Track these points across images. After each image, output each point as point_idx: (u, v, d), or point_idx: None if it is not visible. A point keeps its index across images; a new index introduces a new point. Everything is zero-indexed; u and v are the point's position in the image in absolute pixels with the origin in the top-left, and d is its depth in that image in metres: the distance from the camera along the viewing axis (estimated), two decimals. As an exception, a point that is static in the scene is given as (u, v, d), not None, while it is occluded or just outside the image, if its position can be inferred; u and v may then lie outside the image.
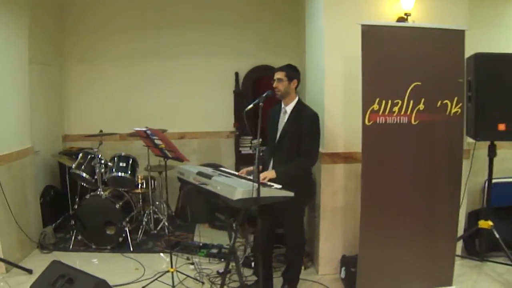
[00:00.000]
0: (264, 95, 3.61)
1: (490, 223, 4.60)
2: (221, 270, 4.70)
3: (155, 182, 6.32)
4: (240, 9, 6.82)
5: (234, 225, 4.13)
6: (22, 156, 5.17)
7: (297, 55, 6.13)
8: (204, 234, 5.64)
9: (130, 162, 5.66)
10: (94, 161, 5.48)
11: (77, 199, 5.77)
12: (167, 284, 4.38)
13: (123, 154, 5.71)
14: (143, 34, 6.76)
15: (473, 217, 5.20)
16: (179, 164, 4.63)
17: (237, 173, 4.05)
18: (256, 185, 3.23)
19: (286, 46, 6.73)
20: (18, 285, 4.44)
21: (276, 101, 4.13)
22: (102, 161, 5.54)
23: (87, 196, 5.45)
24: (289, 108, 4.02)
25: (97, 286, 3.61)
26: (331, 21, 4.43)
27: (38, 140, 5.74)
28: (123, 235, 5.38)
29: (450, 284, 4.05)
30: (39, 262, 4.79)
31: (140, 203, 6.18)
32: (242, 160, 6.50)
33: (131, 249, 5.33)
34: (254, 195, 3.22)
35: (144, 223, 5.85)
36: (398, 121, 3.81)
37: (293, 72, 4.00)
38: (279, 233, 4.43)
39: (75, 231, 5.44)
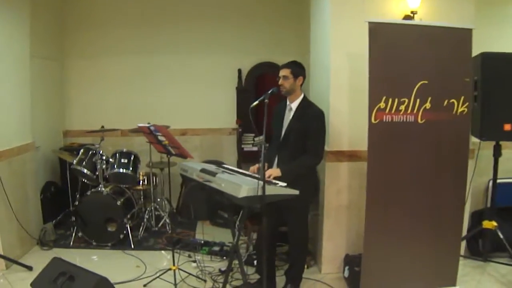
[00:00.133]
0: (269, 92, 3.57)
1: (495, 223, 4.57)
2: (223, 268, 4.68)
3: (157, 178, 6.27)
4: (243, 5, 6.77)
5: (237, 223, 4.09)
6: (23, 152, 5.13)
7: (301, 52, 6.08)
8: (205, 232, 5.60)
9: (132, 158, 5.61)
10: (96, 157, 5.44)
11: (77, 196, 5.73)
12: (169, 282, 4.34)
13: (124, 150, 5.66)
14: (146, 30, 6.72)
15: (477, 217, 5.19)
16: (181, 160, 4.59)
17: (240, 170, 4.00)
18: (261, 183, 3.19)
19: (289, 43, 6.69)
20: (18, 282, 4.40)
21: (281, 98, 4.10)
22: (104, 157, 5.50)
23: (88, 193, 5.41)
24: (294, 105, 3.99)
25: (98, 283, 3.60)
26: (337, 19, 4.39)
27: (39, 135, 5.70)
28: (124, 232, 5.34)
29: (454, 284, 4.02)
30: (39, 259, 4.77)
31: (141, 199, 6.15)
32: (244, 158, 6.44)
33: (132, 246, 5.30)
34: (259, 193, 3.18)
35: (145, 220, 5.82)
36: (405, 120, 3.77)
37: (298, 69, 3.97)
38: (282, 231, 4.41)
39: (75, 227, 5.41)
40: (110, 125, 6.01)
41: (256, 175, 3.72)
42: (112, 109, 6.77)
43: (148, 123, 4.50)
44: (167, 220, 5.89)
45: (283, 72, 3.94)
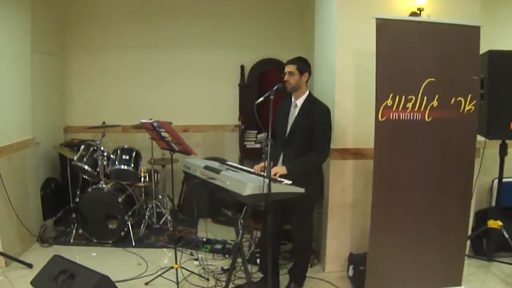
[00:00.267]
0: (274, 88, 3.54)
1: (500, 223, 4.54)
2: (226, 267, 4.64)
3: (158, 175, 6.21)
4: (246, 0, 6.72)
5: (241, 221, 4.05)
6: (23, 148, 5.08)
7: (305, 49, 6.00)
8: (207, 229, 5.55)
9: (133, 155, 5.57)
10: (97, 153, 5.38)
11: (78, 192, 5.66)
12: (171, 281, 4.29)
13: (126, 146, 5.63)
14: (147, 26, 6.66)
15: (481, 216, 5.16)
16: (183, 157, 4.54)
17: (245, 168, 3.95)
18: (266, 180, 3.14)
19: (293, 39, 6.63)
20: (18, 280, 4.35)
21: (285, 94, 4.04)
22: (105, 154, 5.45)
23: (89, 189, 5.37)
24: (299, 101, 3.94)
25: (100, 281, 3.56)
26: (343, 15, 4.33)
27: (39, 131, 5.64)
28: (125, 229, 5.29)
29: (459, 284, 3.98)
30: (39, 256, 4.73)
31: (143, 196, 6.10)
32: (246, 155, 6.42)
33: (133, 243, 5.26)
34: (265, 191, 3.13)
35: (146, 217, 5.78)
36: (412, 118, 3.71)
37: (304, 65, 3.92)
38: (285, 229, 4.39)
39: (76, 224, 5.35)
40: (111, 121, 5.94)
41: (261, 173, 3.68)
42: (113, 105, 6.71)
43: (150, 119, 4.44)
44: (169, 218, 5.85)
45: (289, 68, 3.89)
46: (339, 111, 4.40)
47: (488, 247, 4.86)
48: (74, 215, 5.37)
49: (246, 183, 3.13)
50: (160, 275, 4.40)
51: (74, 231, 5.36)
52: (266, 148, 5.44)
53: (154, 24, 6.66)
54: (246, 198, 3.13)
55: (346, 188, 4.56)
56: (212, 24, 6.71)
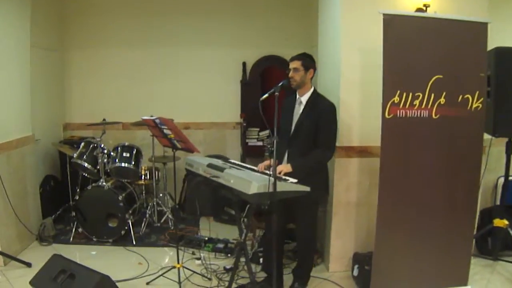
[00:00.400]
0: (279, 84, 3.48)
1: (506, 222, 4.50)
2: (228, 266, 4.58)
3: (159, 173, 6.16)
4: (248, -4, 6.67)
5: (245, 220, 3.99)
6: (22, 145, 5.03)
7: (308, 45, 5.97)
8: (208, 228, 5.49)
9: (134, 152, 5.52)
10: (97, 150, 5.32)
11: (78, 190, 5.60)
12: (172, 280, 4.24)
13: (126, 144, 5.57)
14: (148, 21, 6.59)
15: (485, 215, 5.10)
16: (184, 154, 4.50)
17: (248, 166, 3.89)
18: (272, 179, 3.08)
19: (295, 35, 6.55)
20: (16, 279, 4.29)
21: (290, 91, 3.98)
22: (105, 151, 5.39)
23: (89, 187, 5.29)
24: (304, 98, 3.88)
25: (100, 282, 3.52)
26: (348, 12, 4.28)
27: (39, 128, 5.58)
28: (126, 227, 5.23)
29: (466, 284, 3.94)
30: (38, 255, 4.68)
31: (143, 195, 6.04)
32: (248, 152, 6.37)
33: (134, 242, 5.20)
34: (270, 189, 3.07)
35: (147, 215, 5.73)
36: (419, 115, 3.66)
37: (309, 61, 3.86)
38: (288, 228, 4.35)
39: (75, 223, 5.29)
40: (111, 118, 5.92)
41: (266, 171, 3.62)
42: (113, 102, 6.65)
43: (151, 116, 4.38)
44: (170, 216, 5.79)
45: (294, 64, 3.82)
46: (344, 108, 4.34)
47: (493, 246, 4.82)
48: (73, 213, 5.31)
49: (251, 181, 3.08)
50: (161, 274, 4.34)
51: (73, 230, 5.30)
52: (269, 146, 5.40)
53: (155, 20, 6.59)
54: (251, 197, 3.07)
55: (351, 186, 4.51)
56: (213, 20, 6.64)
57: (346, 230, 4.57)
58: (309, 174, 3.62)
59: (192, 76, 6.74)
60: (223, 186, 3.37)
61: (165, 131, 4.26)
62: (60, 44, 6.53)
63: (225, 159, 4.23)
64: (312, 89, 3.90)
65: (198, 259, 4.76)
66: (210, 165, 3.59)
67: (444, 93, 3.66)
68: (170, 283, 4.24)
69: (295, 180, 3.40)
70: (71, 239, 5.26)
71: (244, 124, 6.36)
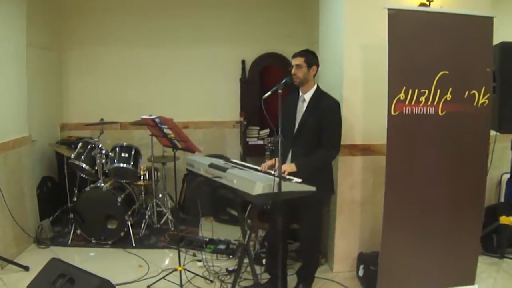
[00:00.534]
0: (282, 82, 3.39)
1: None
2: (231, 268, 4.49)
3: (158, 173, 6.08)
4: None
5: (248, 221, 3.92)
6: (19, 145, 4.95)
7: (308, 42, 5.89)
8: (209, 229, 5.41)
9: (133, 152, 5.44)
10: (94, 151, 5.25)
11: (76, 191, 5.54)
12: (174, 283, 4.16)
13: (125, 144, 5.48)
14: (145, 19, 6.52)
15: (490, 212, 5.03)
16: (185, 154, 4.41)
17: (251, 166, 3.81)
18: (277, 179, 3.00)
19: (295, 32, 6.49)
20: (14, 283, 4.20)
21: (292, 89, 3.91)
22: (103, 151, 5.32)
23: (87, 188, 5.22)
24: (307, 96, 3.80)
25: (100, 286, 3.42)
26: (351, 7, 4.22)
27: (35, 128, 5.51)
28: (125, 229, 5.14)
29: (473, 283, 3.89)
30: (36, 258, 4.60)
31: (143, 195, 5.97)
32: (249, 151, 6.31)
33: (134, 244, 5.12)
34: (275, 190, 2.99)
35: (146, 217, 5.64)
36: (425, 112, 3.59)
37: (312, 58, 3.79)
38: (292, 228, 4.30)
39: (73, 225, 5.21)
40: (109, 117, 5.82)
41: (270, 171, 3.54)
42: (111, 101, 6.57)
43: (150, 115, 4.30)
44: (170, 217, 5.71)
45: (296, 61, 3.74)
46: (347, 106, 4.27)
47: (499, 243, 4.78)
48: (71, 215, 5.24)
49: (255, 182, 3.00)
50: (163, 277, 4.27)
51: (72, 232, 5.23)
52: (270, 145, 5.33)
53: (152, 17, 6.52)
54: (255, 197, 2.99)
55: (355, 185, 4.45)
56: (212, 16, 6.58)
57: (351, 229, 4.52)
58: (313, 174, 3.55)
59: (191, 74, 6.67)
60: (225, 186, 3.30)
61: (165, 130, 4.17)
62: (57, 43, 6.45)
63: (226, 159, 4.16)
64: (315, 86, 3.82)
65: (200, 261, 4.68)
66: (211, 165, 3.51)
67: (450, 89, 3.60)
68: (171, 286, 4.16)
69: (300, 180, 3.33)
70: (69, 241, 5.18)
71: (245, 123, 6.29)
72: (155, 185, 5.91)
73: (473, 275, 3.88)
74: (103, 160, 5.30)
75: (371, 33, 4.05)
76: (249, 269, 3.95)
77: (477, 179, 3.79)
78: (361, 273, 4.27)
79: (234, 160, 4.06)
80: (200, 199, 5.71)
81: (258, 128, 6.41)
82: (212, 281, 4.30)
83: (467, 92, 3.64)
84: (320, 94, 3.81)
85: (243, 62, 6.58)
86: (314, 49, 4.41)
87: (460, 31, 3.61)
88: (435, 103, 3.59)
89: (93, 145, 5.28)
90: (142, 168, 5.81)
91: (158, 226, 5.72)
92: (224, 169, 3.35)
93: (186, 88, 6.67)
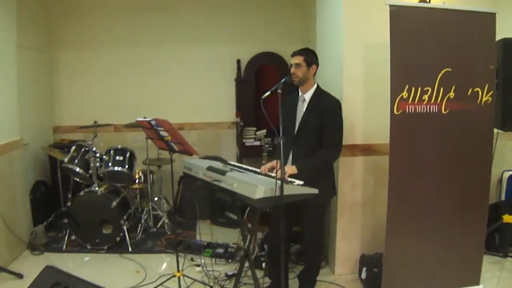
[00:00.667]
0: (282, 81, 3.33)
1: (516, 217, 4.44)
2: (230, 272, 4.40)
3: (154, 176, 5.99)
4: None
5: (249, 225, 3.82)
6: (10, 149, 4.85)
7: (304, 40, 5.85)
8: (206, 232, 5.31)
9: (127, 155, 5.34)
10: (88, 154, 5.16)
11: (70, 196, 5.45)
12: (172, 290, 4.08)
13: (119, 147, 5.39)
14: (138, 19, 6.42)
15: (493, 211, 4.98)
16: (180, 157, 4.33)
17: (250, 168, 3.71)
18: (279, 182, 2.91)
19: (291, 31, 6.43)
20: (7, 293, 4.12)
21: (292, 89, 3.82)
22: (97, 155, 5.23)
23: (81, 192, 5.13)
24: (307, 95, 3.71)
25: (97, 295, 3.33)
26: (350, 4, 4.16)
27: (27, 132, 5.41)
28: (121, 234, 5.05)
29: (478, 283, 3.86)
30: (30, 265, 4.51)
31: (138, 199, 5.88)
32: (245, 153, 6.22)
33: (130, 249, 5.02)
34: (277, 193, 2.90)
35: (142, 221, 5.55)
36: (428, 110, 3.55)
37: (312, 57, 3.71)
38: (293, 231, 4.16)
39: (68, 230, 5.12)
40: (102, 119, 5.74)
41: (270, 174, 3.45)
42: (104, 103, 6.48)
43: (145, 117, 4.19)
44: (166, 221, 5.62)
45: (296, 60, 3.65)
46: (347, 106, 4.18)
47: (502, 242, 4.75)
48: (66, 220, 5.17)
49: (256, 185, 2.90)
50: (161, 283, 4.17)
51: (66, 237, 5.13)
52: (267, 146, 5.22)
53: (145, 17, 6.43)
54: (257, 202, 2.89)
55: (356, 186, 4.39)
56: (206, 16, 6.49)
57: (352, 231, 4.45)
58: (315, 175, 3.46)
59: (185, 75, 6.59)
60: (225, 190, 3.20)
61: (161, 133, 4.06)
62: (48, 44, 6.35)
63: (224, 161, 4.07)
64: (315, 86, 3.74)
65: (198, 265, 4.59)
66: (210, 168, 3.41)
67: (454, 87, 3.57)
68: (169, 292, 4.09)
69: (302, 182, 3.24)
70: (64, 247, 5.08)
71: (241, 124, 6.21)
72: (151, 188, 5.83)
73: (478, 274, 3.86)
74: (97, 164, 5.21)
75: (371, 30, 4.00)
76: (249, 273, 3.87)
77: (481, 178, 3.76)
78: (363, 275, 4.21)
79: (233, 162, 3.95)
80: (197, 202, 5.62)
81: (254, 128, 6.32)
82: (211, 287, 4.21)
83: (470, 90, 3.60)
84: (320, 94, 3.72)
85: (238, 61, 6.51)
86: (311, 48, 4.36)
87: (462, 28, 3.57)
88: (438, 101, 3.55)
89: (87, 148, 5.20)
90: (137, 171, 5.72)
91: (155, 230, 5.62)
92: (223, 172, 3.25)
93: (180, 89, 6.59)
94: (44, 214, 5.61)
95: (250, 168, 3.73)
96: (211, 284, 4.24)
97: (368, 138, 4.31)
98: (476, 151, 3.71)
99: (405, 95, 3.46)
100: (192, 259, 4.78)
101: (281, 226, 3.09)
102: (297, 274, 4.16)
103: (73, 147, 5.30)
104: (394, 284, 3.72)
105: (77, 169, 5.14)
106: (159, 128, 4.03)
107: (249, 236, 3.57)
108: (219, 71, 6.57)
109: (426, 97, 3.51)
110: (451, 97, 3.55)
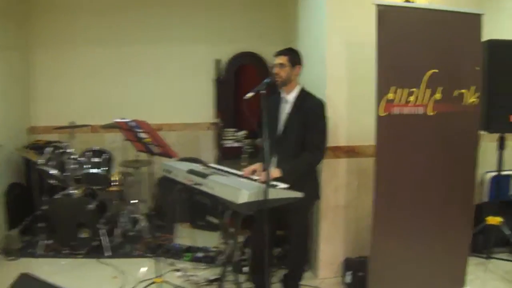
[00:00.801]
0: (264, 81, 3.25)
1: (499, 219, 4.48)
2: (212, 277, 4.29)
3: (131, 179, 5.86)
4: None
5: (232, 230, 3.73)
6: (-18, 151, 4.69)
7: (285, 40, 5.73)
8: (186, 235, 5.22)
9: (104, 157, 5.26)
10: (64, 156, 5.06)
11: (45, 199, 5.24)
12: (152, 296, 3.97)
13: (96, 148, 5.31)
14: (116, 18, 6.29)
15: (476, 212, 4.95)
16: (159, 159, 4.23)
17: (232, 171, 3.62)
18: (262, 186, 2.83)
19: (272, 30, 6.34)
20: (-21, 301, 3.97)
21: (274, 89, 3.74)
22: (73, 156, 5.11)
23: (57, 195, 5.00)
24: (291, 97, 3.65)
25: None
26: (335, 3, 4.11)
27: (0, 132, 5.30)
28: (98, 238, 4.94)
29: (463, 285, 3.88)
30: (4, 272, 4.37)
31: (115, 202, 5.71)
32: (225, 154, 6.10)
33: (107, 253, 4.89)
34: (261, 197, 2.81)
35: (120, 224, 5.42)
36: (414, 112, 3.52)
37: (296, 57, 3.66)
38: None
39: (43, 234, 4.97)
40: (79, 120, 5.61)
41: (253, 177, 3.36)
42: (81, 103, 6.33)
43: (123, 118, 4.07)
44: (144, 224, 5.49)
45: (279, 60, 3.59)
46: (330, 106, 4.06)
47: (487, 244, 4.70)
48: (41, 224, 4.99)
49: (240, 189, 2.81)
50: (140, 290, 4.06)
51: (41, 242, 4.98)
52: (247, 147, 5.13)
53: (123, 16, 6.30)
54: (240, 206, 2.81)
55: (339, 188, 4.35)
56: (185, 15, 6.38)
57: (336, 234, 4.41)
58: (299, 179, 3.41)
59: (164, 74, 6.48)
60: (207, 194, 3.10)
61: (139, 134, 3.94)
62: (24, 43, 6.18)
63: (204, 164, 3.95)
64: (299, 87, 3.68)
65: (178, 270, 4.48)
66: (191, 171, 3.32)
67: (440, 89, 3.55)
68: (149, 299, 3.98)
69: (286, 186, 3.16)
70: (39, 252, 4.92)
71: (221, 125, 6.10)
72: (129, 191, 5.71)
73: (463, 276, 3.88)
74: (74, 166, 5.10)
75: (354, 29, 3.97)
76: (231, 277, 3.79)
77: (466, 179, 3.79)
78: (348, 279, 4.17)
79: (213, 165, 3.87)
80: (177, 205, 5.51)
81: (234, 130, 6.19)
82: (193, 293, 4.12)
83: (456, 91, 3.60)
84: (304, 95, 3.67)
85: (218, 61, 6.40)
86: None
87: (449, 29, 3.57)
88: (424, 103, 3.53)
89: (63, 150, 5.10)
90: (114, 173, 5.58)
91: (133, 233, 5.49)
92: (204, 175, 3.16)
93: (159, 89, 6.48)
94: (19, 218, 5.46)
95: (232, 170, 3.65)
96: (192, 290, 4.15)
97: (351, 140, 4.27)
98: (461, 152, 3.71)
99: (391, 96, 3.43)
100: (172, 264, 4.67)
101: (265, 230, 3.02)
102: (280, 279, 4.10)
103: (48, 149, 5.17)
104: (380, 287, 3.69)
105: (52, 171, 5.01)
106: (138, 130, 3.92)
107: (232, 242, 3.48)
108: (198, 71, 6.45)
109: (412, 98, 3.48)
110: (437, 98, 3.54)
